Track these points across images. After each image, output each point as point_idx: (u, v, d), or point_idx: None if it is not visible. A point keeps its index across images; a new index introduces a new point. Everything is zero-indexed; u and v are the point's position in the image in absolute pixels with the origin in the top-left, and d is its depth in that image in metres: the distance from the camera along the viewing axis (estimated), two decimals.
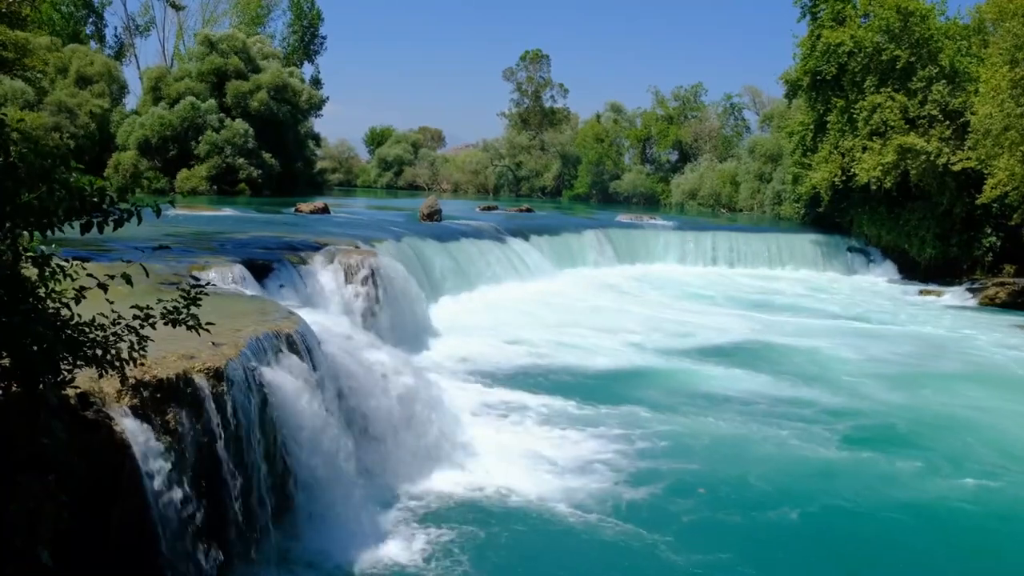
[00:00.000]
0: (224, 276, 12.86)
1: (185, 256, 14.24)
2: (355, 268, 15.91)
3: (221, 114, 47.57)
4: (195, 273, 12.15)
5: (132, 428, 6.11)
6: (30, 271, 4.85)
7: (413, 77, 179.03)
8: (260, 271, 14.33)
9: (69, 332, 4.94)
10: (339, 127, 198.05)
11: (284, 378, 8.10)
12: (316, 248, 16.78)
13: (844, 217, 35.84)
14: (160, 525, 6.22)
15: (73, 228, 5.02)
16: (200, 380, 6.91)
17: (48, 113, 43.88)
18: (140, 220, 4.98)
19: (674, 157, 67.98)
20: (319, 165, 62.23)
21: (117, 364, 5.24)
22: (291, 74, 52.45)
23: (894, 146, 30.90)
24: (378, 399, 9.99)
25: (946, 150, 30.41)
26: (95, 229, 4.95)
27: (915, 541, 9.29)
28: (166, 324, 5.61)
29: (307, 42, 69.68)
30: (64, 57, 48.74)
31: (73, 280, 5.02)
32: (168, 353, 6.90)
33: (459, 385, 13.99)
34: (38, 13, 44.12)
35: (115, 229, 5.01)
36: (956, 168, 29.98)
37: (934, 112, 31.30)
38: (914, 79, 31.81)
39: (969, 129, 29.48)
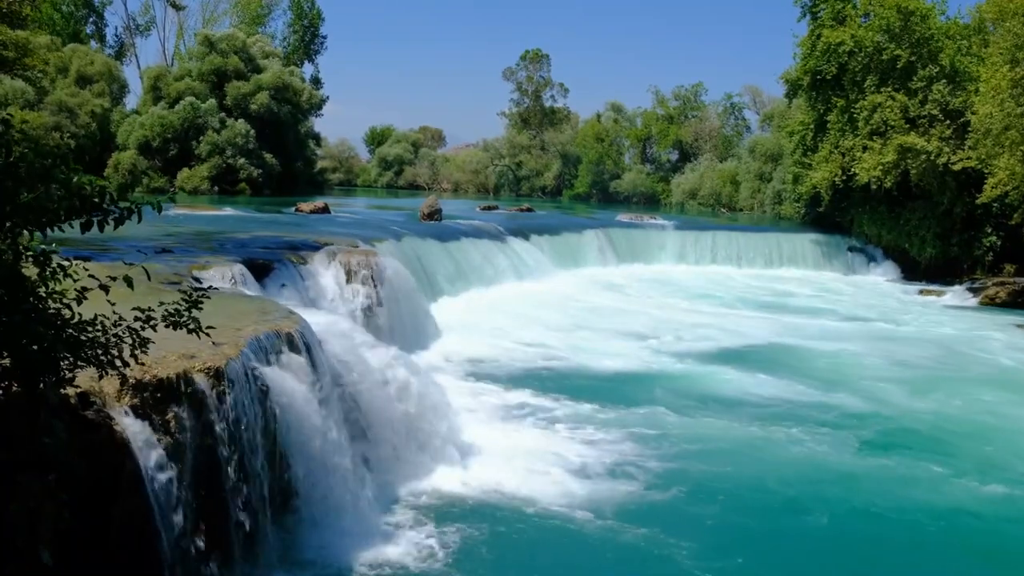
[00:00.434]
0: (224, 276, 12.86)
1: (186, 256, 14.24)
2: (356, 268, 15.91)
3: (222, 114, 47.60)
4: (196, 273, 12.15)
5: (132, 428, 6.11)
6: (30, 271, 4.84)
7: (413, 77, 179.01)
8: (260, 271, 14.33)
9: (69, 332, 4.93)
10: (339, 127, 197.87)
11: (285, 377, 8.10)
12: (317, 248, 16.77)
13: (844, 217, 35.85)
14: (160, 525, 6.22)
15: (73, 227, 5.01)
16: (200, 380, 6.91)
17: (48, 113, 43.89)
18: (140, 218, 4.98)
19: (674, 157, 68.02)
20: (319, 165, 62.23)
21: (118, 364, 5.23)
22: (291, 74, 52.44)
23: (894, 146, 30.91)
24: (379, 398, 9.98)
25: (946, 150, 30.41)
26: (95, 228, 4.95)
27: (938, 547, 9.10)
28: (167, 327, 5.60)
29: (307, 42, 69.66)
30: (64, 57, 48.75)
31: (75, 280, 5.01)
32: (168, 352, 6.89)
33: (460, 384, 13.97)
34: (38, 13, 44.12)
35: (115, 228, 5.01)
36: (956, 168, 29.99)
37: (934, 112, 31.30)
38: (914, 79, 31.81)
39: (969, 129, 29.48)
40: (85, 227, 4.94)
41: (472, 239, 25.88)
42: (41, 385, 4.88)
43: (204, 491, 6.78)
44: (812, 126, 35.93)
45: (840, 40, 32.65)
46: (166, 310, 5.58)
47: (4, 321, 4.60)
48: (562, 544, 8.72)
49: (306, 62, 68.51)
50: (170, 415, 6.54)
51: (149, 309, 5.49)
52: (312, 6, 69.59)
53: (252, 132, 47.50)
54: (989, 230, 31.40)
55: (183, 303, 5.64)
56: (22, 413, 4.77)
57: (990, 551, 9.22)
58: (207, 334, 5.83)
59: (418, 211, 30.85)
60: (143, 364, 5.85)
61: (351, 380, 9.73)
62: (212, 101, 47.52)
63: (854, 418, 13.39)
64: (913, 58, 31.89)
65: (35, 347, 4.73)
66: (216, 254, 14.95)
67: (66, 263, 4.98)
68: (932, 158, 30.50)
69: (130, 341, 5.35)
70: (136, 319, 5.42)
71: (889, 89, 31.99)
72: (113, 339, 5.24)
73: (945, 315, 25.35)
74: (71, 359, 4.99)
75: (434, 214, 29.35)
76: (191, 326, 5.64)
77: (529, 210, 40.98)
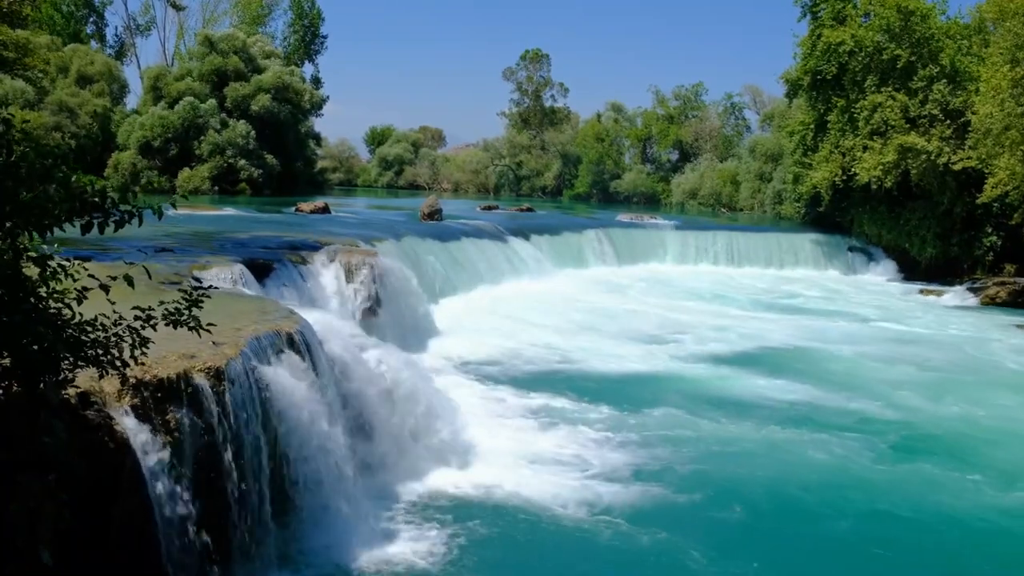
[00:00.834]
0: (225, 276, 12.86)
1: (186, 256, 14.23)
2: (356, 267, 15.91)
3: (223, 115, 47.63)
4: (196, 273, 12.14)
5: (133, 428, 6.11)
6: (31, 271, 4.84)
7: (413, 77, 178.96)
8: (261, 270, 14.33)
9: (70, 332, 4.94)
10: (339, 127, 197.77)
11: (285, 377, 8.09)
12: (317, 247, 16.77)
13: (845, 217, 35.85)
14: (160, 525, 6.23)
15: (74, 227, 5.02)
16: (201, 379, 6.91)
17: (49, 113, 43.91)
18: (141, 221, 4.98)
19: (675, 157, 68.00)
20: (320, 165, 62.23)
21: (118, 364, 5.23)
22: (292, 74, 52.44)
23: (895, 145, 30.91)
24: (379, 398, 9.99)
25: (947, 149, 30.41)
26: (95, 229, 4.95)
27: (961, 555, 8.93)
28: (167, 325, 5.61)
29: (308, 42, 69.64)
30: (65, 57, 48.77)
31: (75, 280, 5.02)
32: (169, 352, 6.90)
33: (461, 385, 13.94)
34: (39, 13, 44.14)
35: (116, 230, 5.01)
36: (957, 167, 29.99)
37: (935, 111, 31.29)
38: (915, 78, 31.81)
39: (970, 128, 29.48)
40: (85, 228, 4.95)
41: (472, 239, 25.88)
42: (41, 385, 4.88)
43: (204, 491, 6.78)
44: (812, 126, 35.93)
45: (840, 40, 32.64)
46: (166, 309, 5.58)
47: (4, 321, 4.60)
48: (565, 546, 8.64)
49: (306, 62, 68.55)
50: (170, 415, 6.54)
51: (149, 308, 5.50)
52: (312, 6, 69.60)
53: (252, 132, 47.53)
54: (989, 230, 31.40)
55: (183, 302, 5.64)
56: (22, 413, 4.77)
57: (1016, 559, 9.00)
58: (208, 331, 5.83)
59: (418, 211, 30.84)
60: (143, 364, 5.85)
61: (351, 380, 9.73)
62: (212, 101, 47.54)
63: (872, 422, 13.17)
64: (913, 58, 31.89)
65: (35, 347, 4.73)
66: (216, 254, 14.94)
67: (66, 263, 4.98)
68: (932, 158, 30.50)
69: (130, 341, 5.35)
70: (136, 318, 5.43)
71: (889, 89, 31.99)
72: (113, 338, 5.24)
73: (949, 316, 25.32)
74: (71, 359, 4.99)
75: (434, 214, 29.35)
76: (191, 324, 5.64)
77: (529, 210, 40.98)
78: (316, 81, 67.18)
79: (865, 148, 32.25)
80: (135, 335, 5.37)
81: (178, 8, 64.13)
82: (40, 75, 41.35)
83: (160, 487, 6.23)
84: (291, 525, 8.03)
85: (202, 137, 46.31)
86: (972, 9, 36.21)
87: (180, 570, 6.40)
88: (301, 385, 8.26)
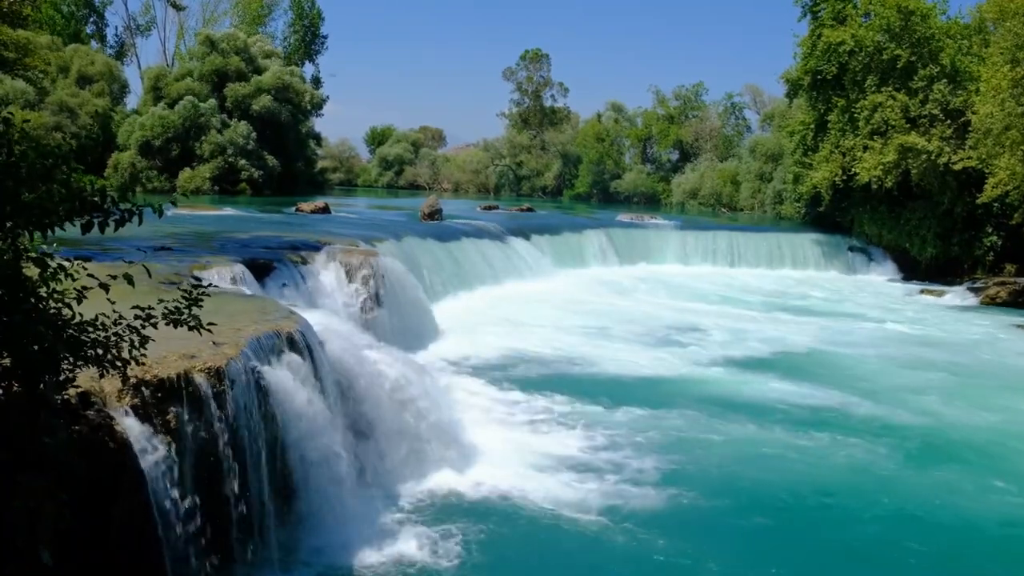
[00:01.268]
0: (225, 275, 12.85)
1: (186, 255, 14.23)
2: (356, 268, 15.91)
3: (223, 115, 47.66)
4: (196, 272, 12.14)
5: (133, 428, 6.11)
6: (31, 271, 4.84)
7: (413, 77, 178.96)
8: (261, 270, 14.32)
9: (70, 332, 4.93)
10: (339, 127, 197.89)
11: (285, 377, 8.09)
12: (317, 247, 16.76)
13: (845, 216, 35.84)
14: (161, 524, 6.23)
15: (74, 227, 5.01)
16: (201, 380, 6.91)
17: (49, 113, 43.91)
18: (141, 221, 4.98)
19: (675, 157, 67.98)
20: (320, 165, 62.28)
21: (118, 364, 5.23)
22: (292, 74, 52.45)
23: (895, 145, 30.91)
24: (379, 398, 9.98)
25: (947, 149, 30.41)
26: (96, 229, 4.95)
27: (986, 559, 8.85)
28: (167, 324, 5.60)
29: (308, 42, 69.61)
30: (65, 57, 48.78)
31: (74, 280, 5.01)
32: (169, 352, 6.90)
33: (461, 385, 13.93)
34: (39, 13, 44.10)
35: (116, 230, 5.01)
36: (957, 167, 30.00)
37: (935, 111, 31.29)
38: (915, 78, 31.81)
39: (970, 128, 29.48)
40: (85, 228, 4.94)
41: (473, 239, 25.87)
42: (42, 385, 4.88)
43: (204, 491, 6.78)
44: (812, 126, 35.93)
45: (840, 40, 32.64)
46: (166, 308, 5.58)
47: (4, 321, 4.60)
48: (567, 549, 8.59)
49: (306, 62, 68.53)
50: (171, 415, 6.54)
51: (149, 307, 5.49)
52: (312, 6, 69.56)
53: (253, 132, 47.57)
54: (990, 230, 31.41)
55: (183, 301, 5.64)
56: (22, 413, 4.77)
57: None
58: (209, 331, 5.82)
59: (419, 211, 30.85)
60: (144, 364, 5.84)
61: (351, 380, 9.73)
62: (213, 101, 47.57)
63: (894, 427, 13.01)
64: (913, 58, 31.89)
65: (35, 347, 4.72)
66: (217, 254, 14.93)
67: (66, 263, 4.98)
68: (933, 158, 30.50)
69: (130, 340, 5.34)
70: (136, 317, 5.42)
71: (890, 89, 31.99)
72: (113, 338, 5.24)
73: (954, 316, 25.29)
74: (71, 359, 4.99)
75: (435, 214, 29.35)
76: (191, 324, 5.63)
77: (530, 210, 40.98)
78: (316, 81, 67.19)
79: (865, 148, 32.25)
80: (135, 334, 5.37)
81: (178, 8, 64.08)
82: (40, 75, 41.35)
83: (160, 487, 6.23)
84: (291, 525, 8.03)
85: (203, 137, 46.33)
86: (972, 9, 36.34)
87: (180, 570, 6.40)
88: (301, 385, 8.26)
